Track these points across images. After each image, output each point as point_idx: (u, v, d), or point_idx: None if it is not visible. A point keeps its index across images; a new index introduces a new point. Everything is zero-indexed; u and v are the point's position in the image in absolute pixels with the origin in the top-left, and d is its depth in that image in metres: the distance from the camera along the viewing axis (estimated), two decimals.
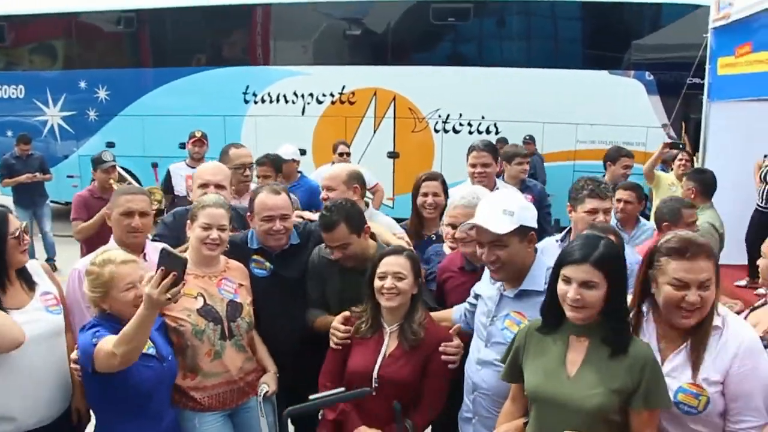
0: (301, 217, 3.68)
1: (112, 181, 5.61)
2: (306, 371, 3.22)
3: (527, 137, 9.74)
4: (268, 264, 3.34)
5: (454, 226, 3.22)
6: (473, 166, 4.31)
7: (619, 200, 4.47)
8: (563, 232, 3.62)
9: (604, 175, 5.79)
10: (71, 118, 11.77)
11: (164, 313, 2.96)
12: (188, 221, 3.11)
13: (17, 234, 2.72)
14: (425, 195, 3.91)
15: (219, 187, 3.69)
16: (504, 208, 2.63)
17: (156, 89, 11.23)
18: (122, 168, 5.26)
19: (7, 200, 9.50)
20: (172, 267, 2.40)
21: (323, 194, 3.78)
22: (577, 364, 2.23)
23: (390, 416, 2.78)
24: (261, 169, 5.35)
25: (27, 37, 12.25)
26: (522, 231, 2.63)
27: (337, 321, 3.05)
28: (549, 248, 3.36)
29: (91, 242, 4.94)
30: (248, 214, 3.37)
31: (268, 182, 4.35)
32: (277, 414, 3.21)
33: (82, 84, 11.55)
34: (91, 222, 5.19)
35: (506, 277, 2.71)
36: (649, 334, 2.34)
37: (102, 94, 11.43)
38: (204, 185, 3.69)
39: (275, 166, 5.44)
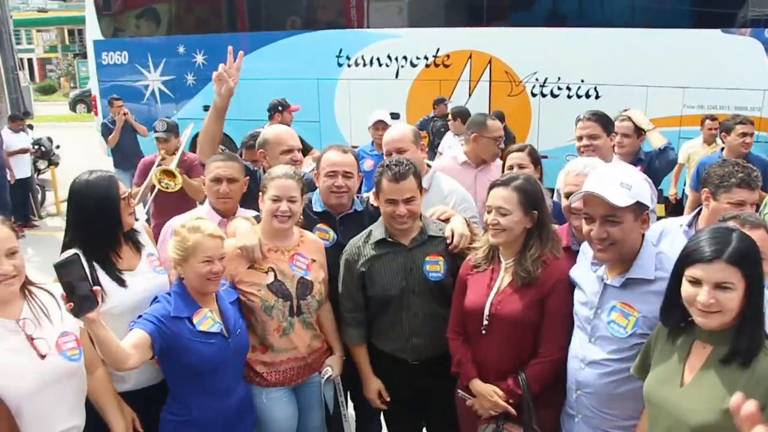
0: None
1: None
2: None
3: (437, 99, 9.44)
4: (331, 233, 3.29)
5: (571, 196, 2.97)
6: (579, 138, 3.96)
7: None
8: (690, 217, 3.17)
9: (722, 149, 5.35)
10: (171, 83, 12.11)
11: (236, 287, 2.97)
12: (259, 193, 3.08)
13: (125, 196, 2.80)
14: (510, 168, 3.68)
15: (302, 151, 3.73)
16: (621, 181, 2.37)
17: (251, 53, 11.37)
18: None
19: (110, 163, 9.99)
20: (70, 277, 2.23)
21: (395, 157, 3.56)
22: (694, 373, 2.00)
23: (505, 363, 2.70)
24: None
25: (130, 5, 12.62)
26: (638, 208, 2.38)
27: (373, 393, 3.15)
28: (670, 232, 3.09)
29: None
30: (315, 172, 3.40)
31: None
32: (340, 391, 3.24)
33: (181, 49, 11.81)
34: None
35: (613, 259, 2.44)
36: None
37: (199, 58, 11.69)
38: (288, 150, 3.68)
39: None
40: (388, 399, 3.17)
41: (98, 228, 2.74)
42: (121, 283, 2.76)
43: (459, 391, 2.87)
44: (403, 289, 3.04)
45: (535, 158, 3.74)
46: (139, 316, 2.64)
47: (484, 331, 2.74)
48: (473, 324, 2.79)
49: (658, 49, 8.97)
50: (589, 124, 3.90)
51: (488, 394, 2.72)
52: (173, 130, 5.82)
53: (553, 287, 2.66)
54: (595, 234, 2.40)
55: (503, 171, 3.79)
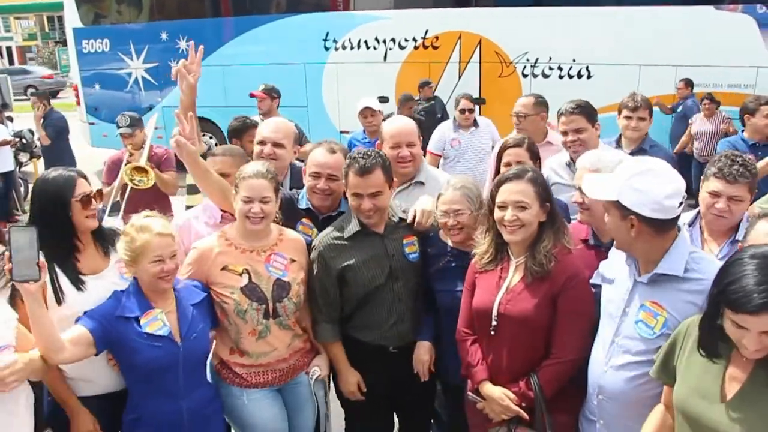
0: None
1: None
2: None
3: (422, 81, 9.27)
4: (315, 231, 3.18)
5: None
6: (564, 133, 3.76)
7: None
8: (693, 214, 3.01)
9: (743, 131, 5.19)
10: (154, 70, 11.85)
11: (211, 288, 2.86)
12: (233, 191, 2.94)
13: (81, 198, 2.67)
14: (507, 165, 3.44)
15: (276, 145, 3.52)
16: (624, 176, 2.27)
17: (235, 38, 11.16)
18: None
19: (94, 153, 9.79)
20: (19, 242, 2.24)
21: (404, 151, 3.36)
22: (736, 387, 1.87)
23: (516, 365, 2.59)
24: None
25: None
26: (622, 209, 2.25)
27: (353, 386, 3.06)
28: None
29: None
30: (303, 168, 3.30)
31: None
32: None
33: (164, 35, 11.56)
34: None
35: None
36: None
37: (183, 44, 11.44)
38: (261, 142, 3.55)
39: None
40: (365, 390, 3.09)
41: (53, 229, 2.64)
42: (79, 286, 2.67)
43: (469, 393, 2.75)
44: (387, 277, 2.98)
45: (534, 153, 3.51)
46: (85, 313, 2.57)
47: (493, 332, 2.62)
48: (482, 325, 2.68)
49: (650, 27, 8.83)
50: (573, 117, 3.72)
51: (499, 398, 2.60)
52: (137, 123, 5.52)
53: (566, 284, 2.52)
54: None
55: (498, 168, 3.57)
